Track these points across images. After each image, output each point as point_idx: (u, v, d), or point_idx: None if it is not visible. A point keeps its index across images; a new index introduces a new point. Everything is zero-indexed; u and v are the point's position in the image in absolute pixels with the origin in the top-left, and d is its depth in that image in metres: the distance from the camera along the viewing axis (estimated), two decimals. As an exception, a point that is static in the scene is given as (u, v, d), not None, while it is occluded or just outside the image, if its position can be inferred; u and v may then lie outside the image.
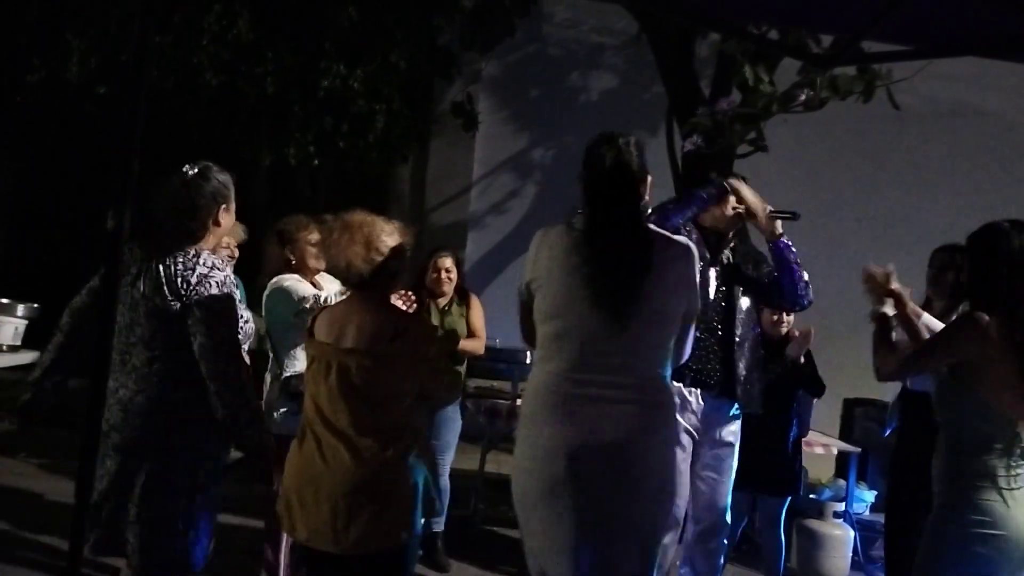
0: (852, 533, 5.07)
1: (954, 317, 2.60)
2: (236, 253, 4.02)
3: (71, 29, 5.72)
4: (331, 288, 3.51)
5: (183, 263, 2.42)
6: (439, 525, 4.54)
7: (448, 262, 4.47)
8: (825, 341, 5.04)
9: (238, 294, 2.57)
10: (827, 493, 5.47)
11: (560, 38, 8.01)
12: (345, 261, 2.45)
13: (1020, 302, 2.34)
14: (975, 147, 7.77)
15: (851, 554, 5.04)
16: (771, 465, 4.04)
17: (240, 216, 3.89)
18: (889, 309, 2.72)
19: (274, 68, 5.89)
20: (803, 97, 5.31)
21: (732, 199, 3.26)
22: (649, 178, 2.45)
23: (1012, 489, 2.34)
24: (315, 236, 3.48)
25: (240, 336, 2.50)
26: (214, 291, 2.41)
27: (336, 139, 6.26)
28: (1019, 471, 2.36)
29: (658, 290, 2.33)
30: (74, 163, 7.13)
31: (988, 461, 2.35)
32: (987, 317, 2.35)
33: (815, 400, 5.36)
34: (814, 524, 5.05)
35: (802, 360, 4.11)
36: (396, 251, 2.48)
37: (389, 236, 2.47)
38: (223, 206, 2.52)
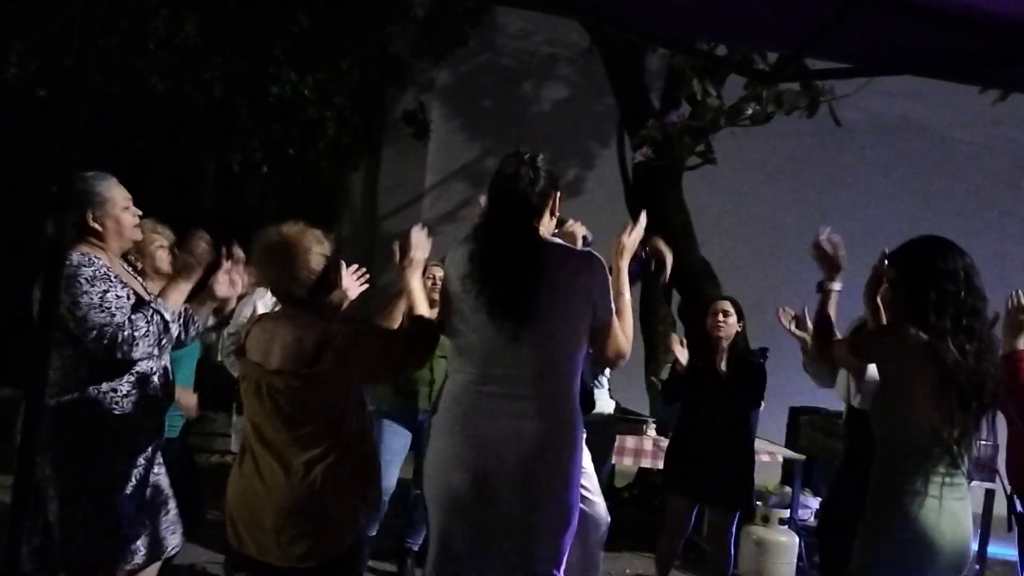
0: (797, 540, 5.16)
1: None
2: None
3: (10, 30, 5.57)
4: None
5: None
6: (415, 543, 4.49)
7: (439, 271, 4.49)
8: (771, 350, 5.12)
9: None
10: (773, 500, 5.56)
11: (513, 49, 8.05)
12: (280, 282, 2.42)
13: (948, 323, 2.37)
14: (914, 159, 8.01)
15: (796, 560, 5.13)
16: (722, 477, 4.07)
17: (186, 223, 3.81)
18: (836, 285, 2.71)
19: (222, 74, 5.80)
20: (750, 111, 5.42)
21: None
22: (557, 194, 2.48)
23: (942, 500, 2.40)
24: (163, 241, 3.47)
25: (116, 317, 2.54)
26: (85, 287, 2.51)
27: (286, 146, 6.19)
28: (949, 481, 2.42)
29: (557, 305, 2.33)
30: (10, 167, 6.92)
31: (919, 474, 2.40)
32: (913, 331, 2.39)
33: (761, 408, 5.46)
34: (760, 531, 5.13)
35: (724, 369, 4.11)
36: (328, 262, 2.45)
37: (319, 245, 2.44)
38: (90, 212, 2.61)
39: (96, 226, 2.63)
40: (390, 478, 4.20)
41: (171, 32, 5.52)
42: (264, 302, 3.76)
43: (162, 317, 2.61)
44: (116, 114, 5.85)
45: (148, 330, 2.56)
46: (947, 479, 2.41)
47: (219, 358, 4.03)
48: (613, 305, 2.46)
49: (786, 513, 5.31)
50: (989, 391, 2.40)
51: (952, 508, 2.41)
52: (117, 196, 2.68)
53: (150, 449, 2.72)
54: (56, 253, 1.95)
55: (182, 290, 2.73)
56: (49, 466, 2.55)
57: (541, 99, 8.19)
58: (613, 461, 5.24)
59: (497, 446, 2.31)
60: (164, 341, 2.63)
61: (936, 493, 2.39)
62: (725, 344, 4.13)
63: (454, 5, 6.47)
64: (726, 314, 4.16)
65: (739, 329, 4.18)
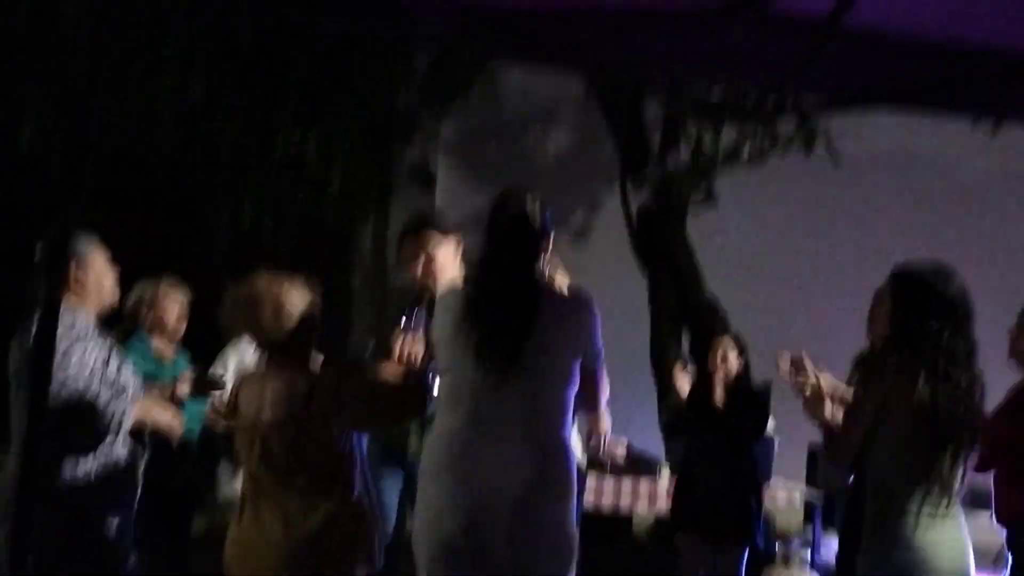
0: (819, 580, 5.06)
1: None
2: (185, 313, 3.82)
3: (25, 96, 5.74)
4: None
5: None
6: None
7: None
8: (787, 388, 5.07)
9: (95, 346, 2.65)
10: (795, 542, 5.46)
11: (516, 99, 8.17)
12: (258, 327, 2.44)
13: (940, 352, 2.39)
14: (921, 191, 7.98)
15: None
16: (725, 514, 4.02)
17: (198, 280, 3.86)
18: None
19: (229, 133, 5.94)
20: (746, 151, 5.48)
21: (422, 255, 3.09)
22: (552, 234, 2.48)
23: (937, 521, 2.40)
24: (177, 298, 3.56)
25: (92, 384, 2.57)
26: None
27: (293, 202, 6.30)
28: (942, 504, 2.41)
29: (545, 347, 2.33)
30: (24, 232, 7.05)
31: (913, 498, 2.39)
32: (884, 360, 2.42)
33: (776, 447, 5.39)
34: (782, 572, 5.04)
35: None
36: (308, 308, 2.48)
37: (297, 294, 2.46)
38: (71, 264, 2.63)
39: (76, 278, 2.70)
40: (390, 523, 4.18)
41: (178, 95, 5.67)
42: (241, 350, 3.80)
43: (116, 424, 2.65)
44: (125, 177, 5.98)
45: (103, 422, 2.60)
46: (940, 508, 2.41)
47: None
48: (601, 354, 2.47)
49: (808, 554, 5.21)
50: (962, 433, 2.41)
51: (950, 534, 2.41)
52: (98, 254, 2.76)
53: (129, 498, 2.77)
54: (48, 317, 1.97)
55: (155, 414, 2.83)
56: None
57: (546, 147, 8.28)
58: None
59: (490, 489, 2.28)
60: (93, 437, 2.66)
61: (929, 517, 2.39)
62: (728, 380, 4.13)
63: (455, 60, 6.60)
64: (727, 351, 4.17)
65: (740, 364, 4.18)
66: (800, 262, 7.82)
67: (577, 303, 2.44)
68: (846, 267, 7.77)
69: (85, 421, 2.56)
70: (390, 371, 2.62)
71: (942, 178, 7.95)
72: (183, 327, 3.78)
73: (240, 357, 3.85)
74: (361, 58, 6.31)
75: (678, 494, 4.26)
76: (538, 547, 2.30)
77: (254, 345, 3.74)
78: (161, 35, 5.63)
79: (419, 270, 3.11)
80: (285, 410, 2.37)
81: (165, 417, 2.93)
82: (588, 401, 2.52)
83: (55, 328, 2.08)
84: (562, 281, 2.91)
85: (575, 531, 2.39)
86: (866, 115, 4.89)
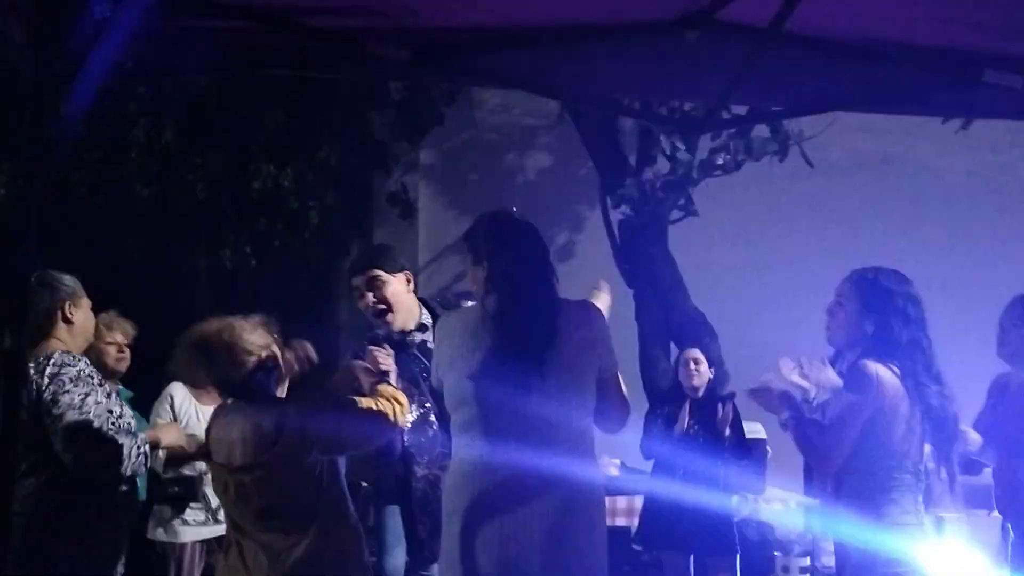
0: (819, 588, 5.02)
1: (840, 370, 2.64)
2: (126, 352, 3.83)
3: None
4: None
5: (35, 365, 2.52)
6: None
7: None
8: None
9: (99, 385, 2.63)
10: (795, 549, 5.43)
11: (493, 123, 8.21)
12: (214, 372, 2.42)
13: (930, 355, 2.44)
14: (901, 192, 8.02)
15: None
16: (705, 526, 4.01)
17: (182, 322, 3.87)
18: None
19: (204, 174, 5.96)
20: (720, 161, 5.51)
21: (370, 295, 3.01)
22: None
23: (924, 523, 2.45)
24: (119, 337, 3.57)
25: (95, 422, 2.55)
26: (67, 387, 2.50)
27: (272, 238, 6.31)
28: (925, 502, 2.48)
29: (562, 358, 2.25)
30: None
31: (899, 497, 2.41)
32: (875, 365, 2.42)
33: (768, 453, 5.36)
34: (782, 582, 5.00)
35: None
36: (265, 347, 2.45)
37: (252, 334, 2.42)
38: (67, 302, 2.65)
39: (71, 316, 2.65)
40: (396, 558, 4.11)
41: (151, 140, 5.70)
42: (173, 392, 3.78)
43: (146, 456, 2.66)
44: (104, 223, 6.00)
45: (127, 464, 2.59)
46: (921, 500, 2.45)
47: None
48: (616, 363, 2.38)
49: (807, 561, 5.18)
50: (954, 431, 2.48)
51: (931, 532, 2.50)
52: (84, 295, 2.73)
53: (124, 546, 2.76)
54: (15, 364, 1.97)
55: (175, 441, 2.95)
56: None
57: (525, 168, 8.31)
58: (622, 523, 5.15)
59: (518, 520, 2.21)
60: (131, 472, 2.67)
61: (915, 518, 2.41)
62: (699, 393, 4.13)
63: (429, 87, 6.64)
64: (697, 362, 4.17)
65: (711, 376, 4.18)
66: (786, 269, 7.83)
67: (585, 309, 2.34)
68: (830, 268, 7.76)
69: (112, 462, 2.55)
70: (358, 398, 2.59)
71: (922, 176, 7.99)
72: (124, 364, 3.77)
73: (177, 401, 3.82)
74: (332, 92, 6.35)
75: (646, 510, 4.25)
76: (577, 567, 2.22)
77: (186, 391, 3.77)
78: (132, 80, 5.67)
79: (369, 309, 3.07)
80: (253, 453, 2.35)
81: (173, 436, 3.02)
82: (612, 412, 2.37)
83: (21, 378, 2.08)
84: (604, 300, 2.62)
85: (605, 554, 2.30)
86: (836, 118, 4.91)
